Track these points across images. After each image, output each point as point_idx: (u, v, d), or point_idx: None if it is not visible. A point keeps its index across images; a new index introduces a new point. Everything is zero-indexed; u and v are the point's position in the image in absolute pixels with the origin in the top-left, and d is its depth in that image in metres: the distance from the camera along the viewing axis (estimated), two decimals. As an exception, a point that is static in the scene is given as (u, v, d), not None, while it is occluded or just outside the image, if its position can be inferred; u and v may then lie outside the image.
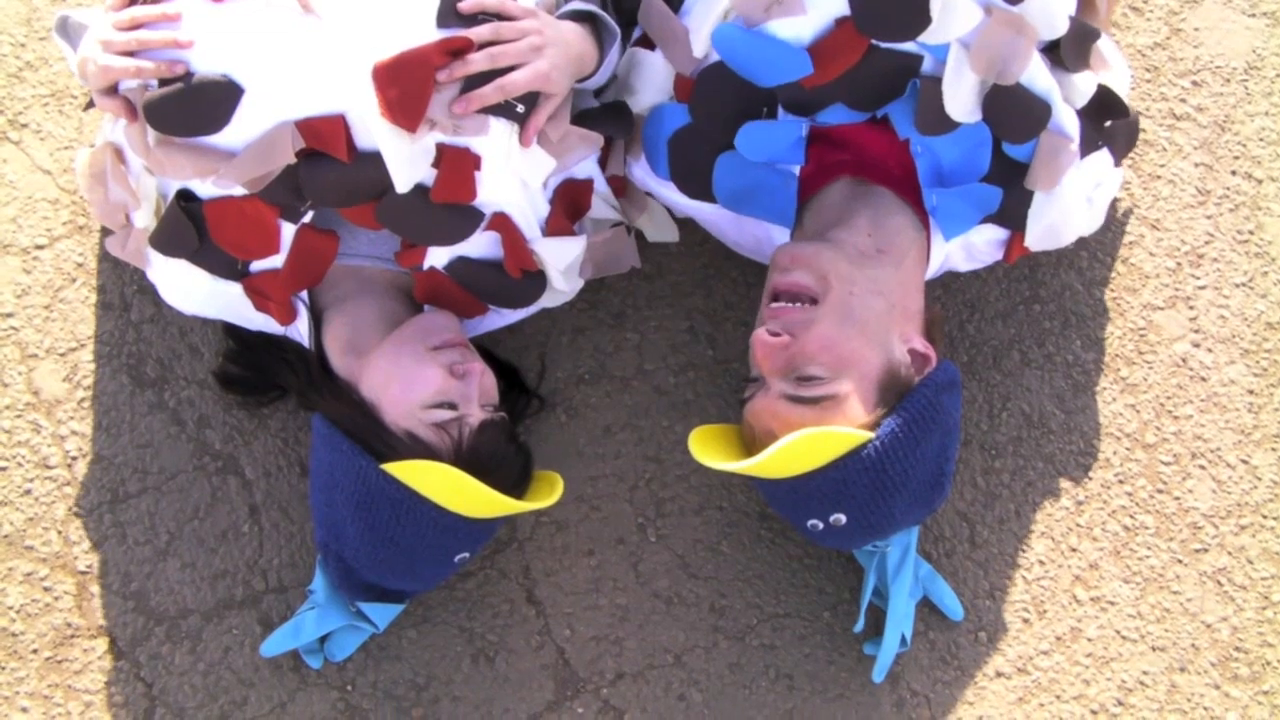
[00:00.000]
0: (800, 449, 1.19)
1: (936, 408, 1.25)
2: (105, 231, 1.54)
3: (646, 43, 1.37)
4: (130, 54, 1.18)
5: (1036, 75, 1.28)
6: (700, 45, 1.30)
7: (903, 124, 1.30)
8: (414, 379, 1.25)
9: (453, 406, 1.25)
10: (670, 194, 1.44)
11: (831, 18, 1.25)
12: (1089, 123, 1.36)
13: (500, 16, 1.20)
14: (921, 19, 1.21)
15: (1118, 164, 1.44)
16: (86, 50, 1.21)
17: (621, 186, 1.46)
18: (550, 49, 1.20)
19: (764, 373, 1.26)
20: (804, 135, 1.33)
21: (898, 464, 1.23)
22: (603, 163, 1.41)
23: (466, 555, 1.31)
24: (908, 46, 1.25)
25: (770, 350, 1.24)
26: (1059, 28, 1.28)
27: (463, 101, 1.18)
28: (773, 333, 1.25)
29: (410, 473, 1.21)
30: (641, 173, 1.44)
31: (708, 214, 1.48)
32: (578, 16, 1.31)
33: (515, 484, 1.30)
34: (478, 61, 1.17)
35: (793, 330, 1.25)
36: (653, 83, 1.38)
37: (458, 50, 1.16)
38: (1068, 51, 1.31)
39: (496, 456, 1.26)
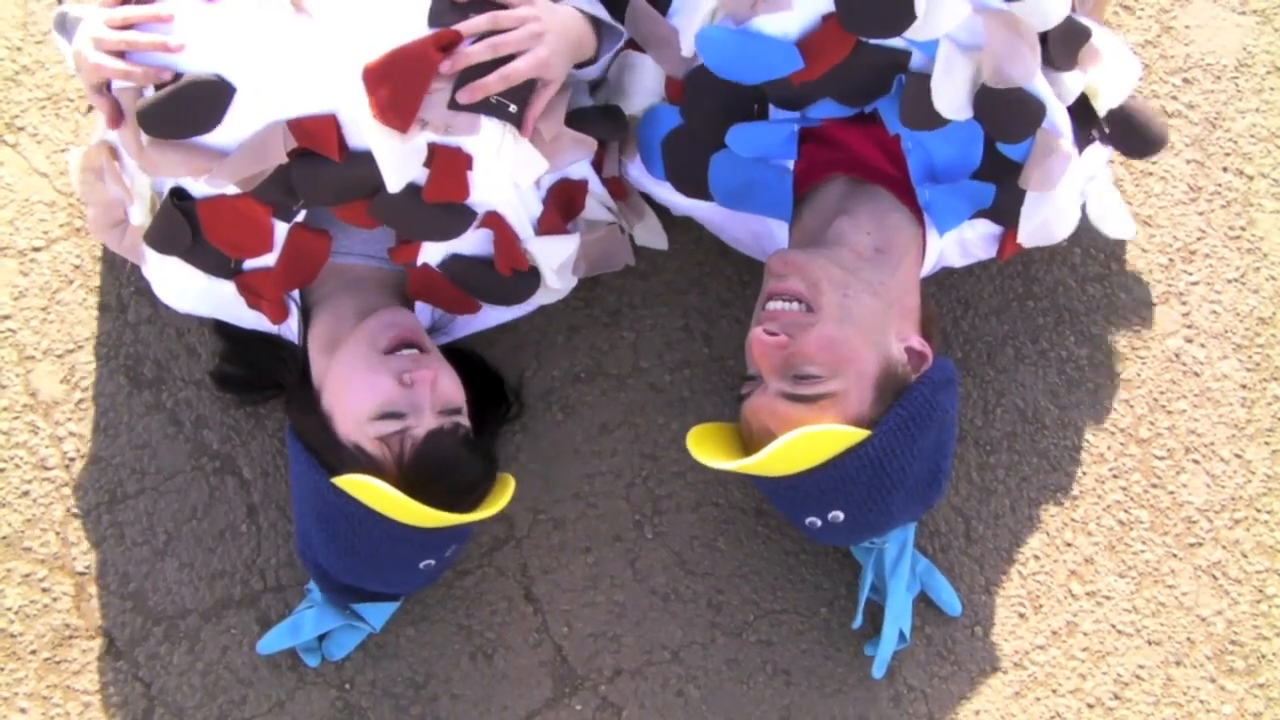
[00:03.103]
0: (799, 447, 1.19)
1: (933, 405, 1.26)
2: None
3: (636, 45, 1.38)
4: (120, 54, 1.18)
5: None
6: (689, 46, 1.30)
7: (892, 120, 1.30)
8: (363, 389, 1.24)
9: (400, 417, 1.24)
10: (667, 194, 1.44)
11: (818, 14, 1.24)
12: (1077, 120, 1.36)
13: (496, 5, 1.20)
14: (906, 15, 1.20)
15: (1139, 155, 1.47)
16: (79, 44, 1.21)
17: (621, 191, 1.46)
18: (550, 35, 1.19)
19: (762, 372, 1.26)
20: (795, 131, 1.34)
21: (895, 461, 1.23)
22: (598, 166, 1.40)
23: (432, 563, 1.30)
24: (895, 43, 1.25)
25: (768, 350, 1.24)
26: (1052, 21, 1.27)
27: (467, 91, 1.17)
28: (770, 332, 1.25)
29: (355, 487, 1.21)
30: (638, 173, 1.44)
31: (705, 212, 1.48)
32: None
33: (470, 490, 1.29)
34: (479, 52, 1.16)
35: (790, 331, 1.25)
36: (644, 85, 1.38)
37: (448, 45, 1.16)
38: (1056, 49, 1.30)
39: (445, 465, 1.25)
